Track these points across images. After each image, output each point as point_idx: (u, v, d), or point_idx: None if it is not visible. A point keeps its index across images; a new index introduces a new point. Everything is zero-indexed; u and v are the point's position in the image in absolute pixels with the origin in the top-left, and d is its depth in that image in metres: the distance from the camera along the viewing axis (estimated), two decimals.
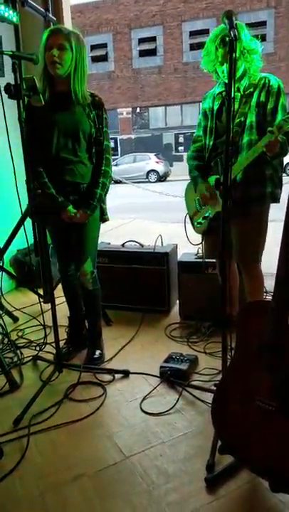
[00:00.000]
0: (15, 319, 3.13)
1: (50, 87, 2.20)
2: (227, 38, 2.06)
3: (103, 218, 2.43)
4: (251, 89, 2.19)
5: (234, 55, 1.56)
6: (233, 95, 2.19)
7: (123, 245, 3.30)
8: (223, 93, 2.25)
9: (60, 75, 2.13)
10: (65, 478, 1.65)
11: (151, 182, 18.42)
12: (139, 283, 3.15)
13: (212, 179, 2.28)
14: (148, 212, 8.94)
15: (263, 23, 20.25)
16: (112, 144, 2.31)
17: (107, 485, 1.61)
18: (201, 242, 2.63)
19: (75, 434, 1.91)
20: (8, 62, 2.91)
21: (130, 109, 23.27)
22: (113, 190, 2.56)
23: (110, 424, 1.97)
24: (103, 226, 2.48)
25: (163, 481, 1.61)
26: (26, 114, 2.21)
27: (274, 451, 1.40)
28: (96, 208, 2.30)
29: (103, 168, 2.29)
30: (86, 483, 1.62)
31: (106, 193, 2.34)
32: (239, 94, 2.21)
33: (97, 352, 2.52)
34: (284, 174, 2.36)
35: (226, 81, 1.82)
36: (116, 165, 19.38)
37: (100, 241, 2.53)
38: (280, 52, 20.26)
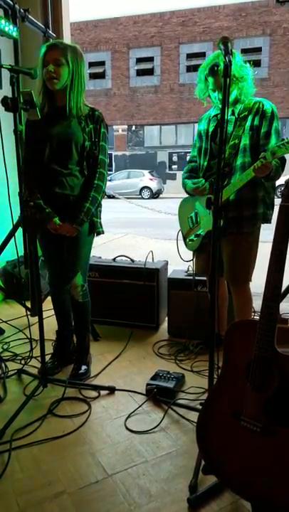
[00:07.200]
0: (1, 331, 3.10)
1: (49, 102, 2.23)
2: (216, 68, 2.20)
3: (97, 231, 2.40)
4: (246, 113, 2.25)
5: (228, 80, 1.60)
6: (227, 118, 2.26)
7: (114, 260, 3.30)
8: (218, 116, 2.30)
9: (57, 89, 2.16)
10: (45, 495, 1.61)
11: (144, 198, 18.54)
12: (128, 298, 3.14)
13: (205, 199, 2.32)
14: (140, 227, 8.98)
15: (258, 49, 20.78)
16: (107, 159, 2.33)
17: (88, 503, 1.58)
18: (192, 259, 2.65)
19: (57, 451, 1.87)
20: (6, 75, 2.94)
21: (126, 126, 23.52)
22: (106, 204, 2.56)
23: (94, 441, 1.94)
24: (94, 240, 2.47)
25: (145, 501, 1.58)
26: (25, 127, 2.24)
27: (258, 471, 1.39)
28: (84, 221, 2.26)
29: (95, 182, 2.27)
30: (67, 501, 1.59)
31: (96, 207, 2.32)
32: (234, 118, 2.27)
33: (83, 367, 2.50)
34: (275, 196, 2.40)
35: (220, 106, 1.88)
36: (110, 180, 19.51)
37: (91, 255, 2.52)
38: (274, 78, 20.75)
